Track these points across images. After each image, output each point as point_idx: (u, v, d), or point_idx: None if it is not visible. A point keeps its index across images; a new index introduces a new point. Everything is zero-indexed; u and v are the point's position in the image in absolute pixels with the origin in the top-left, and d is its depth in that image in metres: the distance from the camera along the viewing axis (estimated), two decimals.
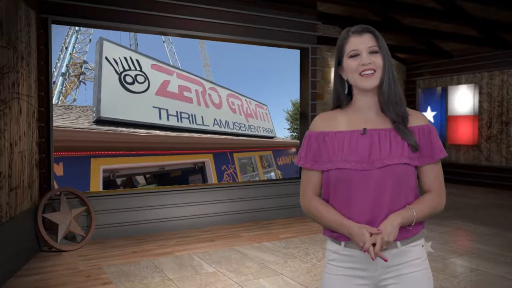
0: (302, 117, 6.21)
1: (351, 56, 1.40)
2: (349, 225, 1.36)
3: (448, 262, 4.08)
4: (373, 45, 1.39)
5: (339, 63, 1.45)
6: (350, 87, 1.47)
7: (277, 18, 5.89)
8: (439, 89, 9.80)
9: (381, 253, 1.31)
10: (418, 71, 10.34)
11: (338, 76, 1.48)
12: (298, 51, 6.18)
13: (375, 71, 1.39)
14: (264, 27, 5.82)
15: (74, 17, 4.68)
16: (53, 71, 4.66)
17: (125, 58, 5.01)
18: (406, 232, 1.40)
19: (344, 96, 1.48)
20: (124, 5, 4.94)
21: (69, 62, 4.82)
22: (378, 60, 1.39)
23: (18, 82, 3.89)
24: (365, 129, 1.42)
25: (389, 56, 1.41)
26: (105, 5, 4.83)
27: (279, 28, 5.91)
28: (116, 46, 4.98)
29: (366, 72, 1.38)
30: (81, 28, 4.85)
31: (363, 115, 1.45)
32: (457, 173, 9.41)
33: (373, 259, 1.30)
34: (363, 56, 1.38)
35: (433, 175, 1.45)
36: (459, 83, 9.49)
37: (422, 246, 1.45)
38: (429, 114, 9.91)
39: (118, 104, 4.96)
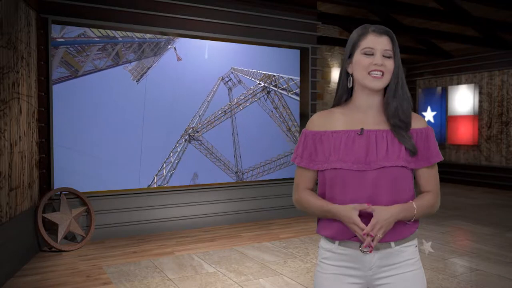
0: (302, 117, 6.21)
1: (365, 53, 1.39)
2: (335, 208, 1.37)
3: (448, 262, 4.08)
4: (389, 49, 1.39)
5: (349, 56, 1.44)
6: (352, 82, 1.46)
7: (277, 18, 5.89)
8: (439, 89, 9.80)
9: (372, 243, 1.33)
10: (418, 71, 10.35)
11: (345, 69, 1.47)
12: (298, 51, 6.19)
13: (383, 74, 1.38)
14: (264, 27, 5.82)
15: (74, 17, 4.68)
16: None
17: None
18: (401, 232, 1.40)
19: (345, 91, 1.48)
20: (124, 5, 4.94)
21: None
22: (389, 64, 1.39)
23: (18, 82, 3.89)
24: (362, 129, 1.41)
25: (400, 63, 1.41)
26: (105, 5, 4.83)
27: (279, 28, 5.91)
28: None
29: (375, 73, 1.38)
30: None
31: (362, 114, 1.44)
32: (457, 173, 9.41)
33: (365, 248, 1.32)
34: (377, 56, 1.38)
35: (429, 177, 1.45)
36: (459, 83, 9.49)
37: (416, 246, 1.46)
38: (429, 114, 9.91)
39: None
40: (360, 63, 1.40)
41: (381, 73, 1.38)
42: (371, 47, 1.38)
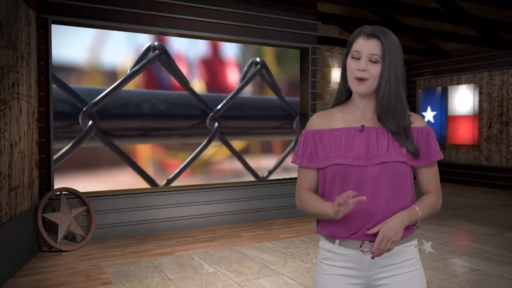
0: (302, 117, 6.22)
1: (353, 57, 1.39)
2: (328, 205, 1.35)
3: (448, 262, 4.08)
4: (375, 54, 1.35)
5: (346, 58, 1.44)
6: None
7: (277, 18, 5.89)
8: (439, 89, 9.80)
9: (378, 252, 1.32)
10: (418, 71, 10.34)
11: (344, 68, 1.46)
12: (298, 51, 6.19)
13: (367, 79, 1.37)
14: (264, 27, 5.82)
15: (74, 17, 4.68)
16: None
17: None
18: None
19: (345, 90, 1.48)
20: (124, 5, 4.94)
21: None
22: (374, 70, 1.36)
23: (18, 82, 3.90)
24: (363, 126, 1.41)
25: (394, 68, 1.36)
26: (105, 5, 4.83)
27: (279, 28, 5.91)
28: None
29: (359, 78, 1.37)
30: None
31: (361, 113, 1.44)
32: (457, 173, 9.41)
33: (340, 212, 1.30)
34: (362, 61, 1.36)
35: (430, 176, 1.46)
36: (459, 83, 9.49)
37: (415, 246, 1.46)
38: (429, 114, 9.91)
39: None
40: (348, 67, 1.40)
41: (364, 78, 1.37)
42: (358, 50, 1.37)
